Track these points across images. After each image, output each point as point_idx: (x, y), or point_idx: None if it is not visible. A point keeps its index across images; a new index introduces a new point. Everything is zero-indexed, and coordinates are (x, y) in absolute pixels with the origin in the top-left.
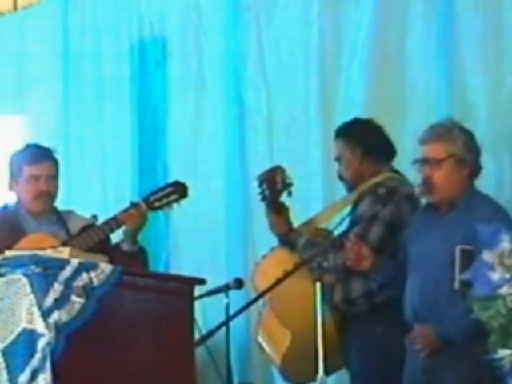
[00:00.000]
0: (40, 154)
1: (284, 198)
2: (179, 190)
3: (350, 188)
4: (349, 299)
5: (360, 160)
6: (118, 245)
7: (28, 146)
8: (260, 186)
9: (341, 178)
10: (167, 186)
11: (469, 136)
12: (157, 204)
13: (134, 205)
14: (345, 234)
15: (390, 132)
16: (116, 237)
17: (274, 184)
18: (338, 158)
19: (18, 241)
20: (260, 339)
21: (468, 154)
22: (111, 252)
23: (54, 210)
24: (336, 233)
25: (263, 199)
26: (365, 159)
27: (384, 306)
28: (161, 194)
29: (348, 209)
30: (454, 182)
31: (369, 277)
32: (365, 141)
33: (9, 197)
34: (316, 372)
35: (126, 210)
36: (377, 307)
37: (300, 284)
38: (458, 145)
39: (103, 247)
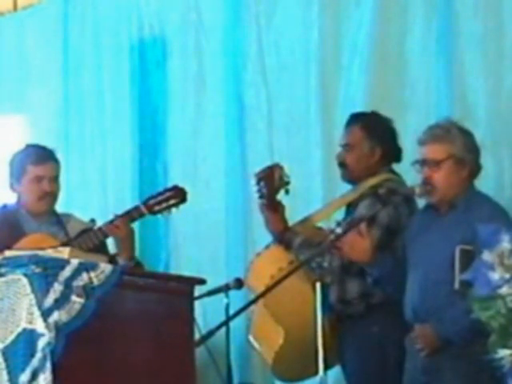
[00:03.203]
0: (44, 155)
1: (281, 196)
2: (178, 195)
3: (351, 178)
4: (344, 299)
5: (377, 160)
6: (114, 257)
7: (31, 146)
8: (257, 183)
9: (341, 164)
10: (166, 190)
11: (468, 136)
12: (156, 208)
13: (134, 208)
14: (342, 235)
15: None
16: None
17: (272, 182)
18: (347, 145)
19: (17, 241)
20: (251, 338)
21: (467, 154)
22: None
23: (54, 212)
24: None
25: (260, 197)
26: (381, 160)
27: (380, 307)
28: (160, 198)
29: (345, 208)
30: (453, 183)
31: (365, 274)
32: (386, 143)
33: (8, 196)
34: (308, 369)
35: (111, 221)
36: (373, 307)
37: (295, 283)
38: (457, 145)
39: (101, 251)
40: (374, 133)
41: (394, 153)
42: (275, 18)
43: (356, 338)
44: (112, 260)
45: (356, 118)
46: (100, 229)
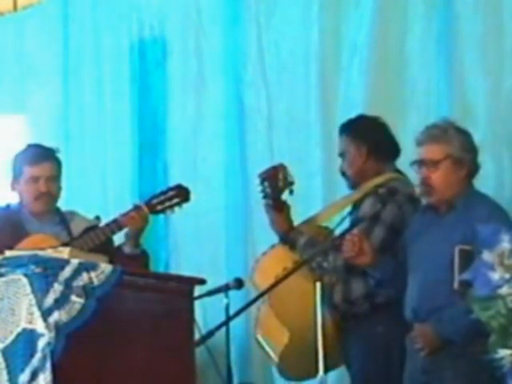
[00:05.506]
0: (40, 155)
1: (285, 196)
2: (181, 194)
3: (352, 185)
4: (349, 299)
5: (365, 159)
6: (119, 247)
7: (30, 146)
8: (262, 183)
9: (343, 173)
10: (169, 189)
11: (465, 136)
12: (159, 207)
13: (135, 208)
14: (345, 234)
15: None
16: (118, 239)
17: (276, 182)
18: (341, 154)
19: (19, 241)
20: (259, 337)
21: (465, 154)
22: (113, 254)
23: (57, 211)
24: (337, 232)
25: (265, 197)
26: (369, 158)
27: (384, 306)
28: (163, 197)
29: (349, 208)
30: (451, 183)
31: (368, 274)
32: (371, 139)
33: (9, 196)
34: (314, 369)
35: (127, 213)
36: (377, 307)
37: (299, 283)
38: (455, 145)
39: (105, 249)
40: (356, 133)
41: (384, 147)
42: (275, 18)
43: (361, 338)
44: (117, 251)
45: (343, 127)
46: (109, 224)
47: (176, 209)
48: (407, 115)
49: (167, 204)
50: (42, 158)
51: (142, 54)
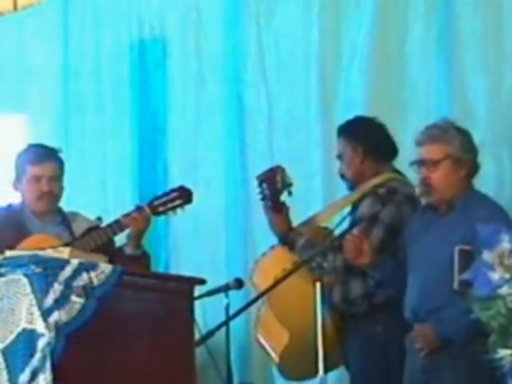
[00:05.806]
0: (43, 154)
1: (284, 197)
2: (184, 195)
3: (352, 186)
4: (348, 299)
5: (361, 159)
6: (121, 248)
7: (32, 146)
8: (260, 185)
9: (342, 176)
10: (172, 190)
11: (465, 136)
12: (161, 208)
13: (137, 208)
14: (344, 234)
15: (389, 132)
16: (120, 240)
17: (274, 183)
18: (339, 156)
19: (21, 240)
20: (259, 337)
21: (465, 153)
22: (114, 255)
23: (59, 211)
24: (336, 233)
25: (263, 199)
26: (366, 158)
27: (383, 306)
28: (165, 198)
29: (348, 208)
30: (451, 183)
31: (367, 274)
32: (367, 140)
33: (11, 196)
34: (314, 369)
35: (129, 214)
36: (376, 307)
37: (299, 284)
38: (455, 145)
39: (106, 250)
40: (353, 134)
41: (381, 147)
42: (275, 18)
43: (359, 338)
44: (118, 252)
45: (340, 129)
46: (110, 225)
47: (178, 210)
48: (407, 115)
49: (169, 205)
50: (45, 157)
51: (142, 54)
